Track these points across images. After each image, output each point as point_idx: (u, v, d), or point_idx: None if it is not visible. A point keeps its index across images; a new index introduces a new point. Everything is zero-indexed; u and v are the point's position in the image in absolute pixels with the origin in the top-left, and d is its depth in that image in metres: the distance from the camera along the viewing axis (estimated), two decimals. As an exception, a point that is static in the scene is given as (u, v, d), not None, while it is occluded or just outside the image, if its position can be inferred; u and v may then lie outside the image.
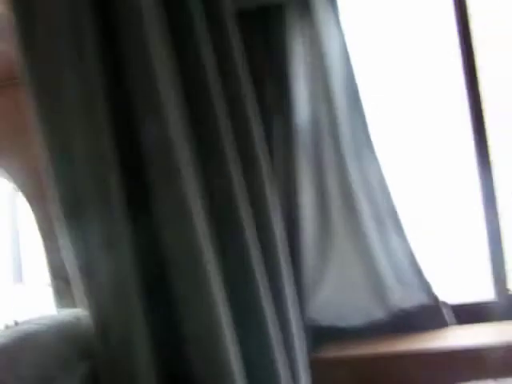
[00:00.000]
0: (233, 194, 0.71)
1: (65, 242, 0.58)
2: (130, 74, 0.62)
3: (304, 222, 1.19)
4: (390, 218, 1.19)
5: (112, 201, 0.57)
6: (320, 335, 1.17)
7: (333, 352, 1.14)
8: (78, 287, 0.58)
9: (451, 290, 1.27)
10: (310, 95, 1.24)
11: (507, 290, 1.24)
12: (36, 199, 1.00)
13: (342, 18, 1.20)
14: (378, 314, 1.21)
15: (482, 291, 1.27)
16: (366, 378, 1.12)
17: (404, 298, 1.21)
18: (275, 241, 0.78)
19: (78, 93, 0.57)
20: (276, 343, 0.72)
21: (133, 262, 0.59)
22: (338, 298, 1.21)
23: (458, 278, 1.36)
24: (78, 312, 0.64)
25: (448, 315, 1.21)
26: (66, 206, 0.59)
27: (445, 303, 1.22)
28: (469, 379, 1.04)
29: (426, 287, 1.21)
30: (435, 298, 1.21)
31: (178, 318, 0.63)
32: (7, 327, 0.57)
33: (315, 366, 1.03)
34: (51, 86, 0.59)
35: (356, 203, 1.19)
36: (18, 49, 0.58)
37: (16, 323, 0.58)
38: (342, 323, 1.20)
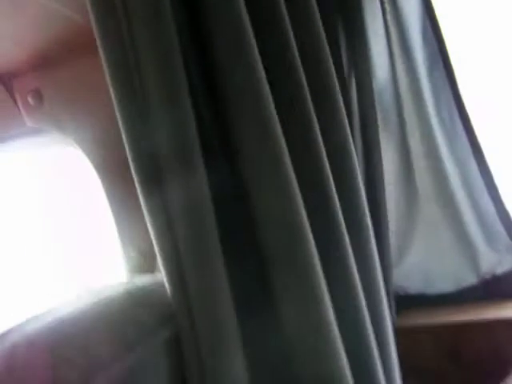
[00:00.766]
0: (318, 155, 0.67)
1: (145, 208, 0.56)
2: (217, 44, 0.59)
3: (387, 186, 1.14)
4: (480, 179, 1.12)
5: (194, 162, 0.55)
6: (407, 302, 1.13)
7: (419, 319, 1.11)
8: (158, 254, 0.56)
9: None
10: (388, 53, 1.18)
11: None
12: (105, 168, 0.99)
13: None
14: (469, 279, 1.15)
15: None
16: (452, 346, 1.07)
17: (496, 263, 1.14)
18: (363, 206, 0.74)
19: (154, 53, 0.54)
20: (367, 315, 0.68)
21: (216, 226, 0.56)
22: (425, 263, 1.15)
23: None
24: (154, 278, 0.63)
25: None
26: (144, 170, 0.56)
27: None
28: None
29: (520, 252, 1.14)
30: (530, 263, 1.14)
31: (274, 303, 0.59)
32: (79, 296, 0.56)
33: (400, 333, 0.99)
34: (124, 48, 0.56)
35: (442, 163, 1.12)
36: (92, 12, 0.56)
37: (89, 291, 0.57)
38: (430, 290, 1.16)
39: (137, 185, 0.55)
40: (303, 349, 0.59)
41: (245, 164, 0.59)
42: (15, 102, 0.97)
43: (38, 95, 0.96)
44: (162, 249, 0.54)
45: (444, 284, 1.16)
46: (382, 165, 1.13)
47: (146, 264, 0.98)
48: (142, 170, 0.55)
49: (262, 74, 0.60)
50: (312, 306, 0.59)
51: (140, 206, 0.98)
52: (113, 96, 0.56)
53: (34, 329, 0.47)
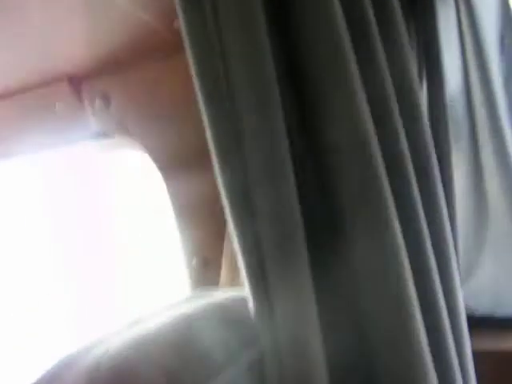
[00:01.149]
0: (407, 173, 0.63)
1: (232, 220, 0.53)
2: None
3: (457, 199, 1.10)
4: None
5: (286, 176, 0.52)
6: (473, 324, 1.08)
7: (484, 342, 1.05)
8: (244, 268, 0.53)
9: None
10: (462, 64, 1.14)
11: None
12: (171, 172, 0.98)
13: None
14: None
15: None
16: None
17: None
18: (446, 222, 0.70)
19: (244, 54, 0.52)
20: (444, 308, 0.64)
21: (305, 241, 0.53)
22: (495, 283, 1.10)
23: None
24: (235, 293, 0.60)
25: None
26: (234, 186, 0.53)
27: None
28: None
29: None
30: None
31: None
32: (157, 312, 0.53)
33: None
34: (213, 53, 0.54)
35: (516, 181, 1.08)
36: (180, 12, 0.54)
37: (169, 306, 0.55)
38: (498, 312, 1.10)
39: (225, 199, 0.53)
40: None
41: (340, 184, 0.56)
42: (83, 104, 0.96)
43: (106, 98, 0.96)
44: (248, 265, 0.52)
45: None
46: (453, 180, 1.09)
47: (209, 274, 0.96)
48: (231, 185, 0.53)
49: (359, 86, 0.57)
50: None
51: (204, 212, 0.97)
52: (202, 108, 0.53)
53: (117, 347, 0.45)
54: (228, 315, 0.55)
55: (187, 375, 0.44)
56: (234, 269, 0.88)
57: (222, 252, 0.94)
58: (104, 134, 0.98)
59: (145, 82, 0.95)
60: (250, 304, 0.52)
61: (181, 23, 0.54)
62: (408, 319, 0.55)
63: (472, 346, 0.95)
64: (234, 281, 0.86)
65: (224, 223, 0.55)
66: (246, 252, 0.52)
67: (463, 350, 0.69)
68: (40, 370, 0.43)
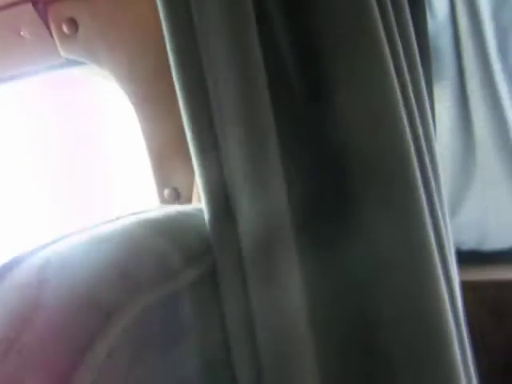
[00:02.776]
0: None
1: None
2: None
3: (441, 135, 1.07)
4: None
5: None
6: (459, 258, 1.06)
7: (467, 275, 1.04)
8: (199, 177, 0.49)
9: None
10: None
11: None
12: (142, 104, 0.94)
13: None
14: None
15: None
16: (495, 304, 1.03)
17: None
18: (434, 153, 0.67)
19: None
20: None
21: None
22: (481, 218, 1.08)
23: None
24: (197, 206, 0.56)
25: None
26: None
27: None
28: None
29: None
30: None
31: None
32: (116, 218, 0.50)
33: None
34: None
35: (503, 112, 1.04)
36: None
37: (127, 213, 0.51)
38: (484, 247, 1.09)
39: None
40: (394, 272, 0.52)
41: None
42: (49, 30, 0.91)
43: (74, 24, 0.90)
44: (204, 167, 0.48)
45: (498, 241, 1.09)
46: (434, 114, 1.05)
47: (180, 204, 0.93)
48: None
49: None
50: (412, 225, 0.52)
51: (177, 144, 0.93)
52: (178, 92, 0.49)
53: (68, 246, 0.41)
54: (188, 222, 0.51)
55: (141, 275, 0.41)
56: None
57: (193, 184, 0.91)
58: (74, 63, 0.94)
59: (113, 6, 0.89)
60: (206, 212, 0.49)
61: None
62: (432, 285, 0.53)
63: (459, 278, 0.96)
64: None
65: None
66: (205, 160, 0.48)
67: (452, 283, 0.66)
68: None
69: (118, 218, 0.49)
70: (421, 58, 1.00)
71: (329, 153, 0.53)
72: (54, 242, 0.43)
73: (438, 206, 0.63)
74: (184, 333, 0.44)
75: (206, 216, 0.48)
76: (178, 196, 0.93)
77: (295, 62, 0.53)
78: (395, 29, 0.61)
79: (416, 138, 0.59)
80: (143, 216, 0.49)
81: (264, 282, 0.45)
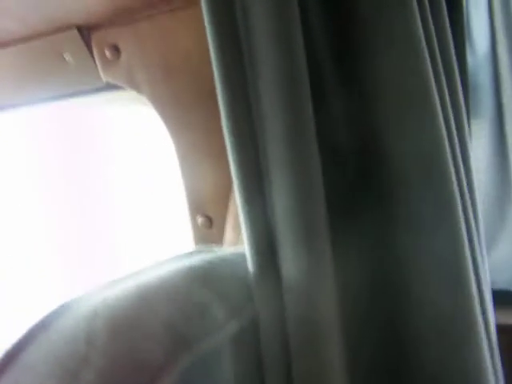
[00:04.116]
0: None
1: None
2: None
3: (478, 174, 1.05)
4: None
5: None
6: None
7: (501, 318, 1.02)
8: (243, 221, 0.49)
9: None
10: (489, 27, 1.08)
11: None
12: (178, 129, 0.94)
13: None
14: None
15: None
16: None
17: None
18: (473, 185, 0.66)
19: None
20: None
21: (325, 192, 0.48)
22: (516, 258, 1.07)
23: None
24: (239, 250, 0.55)
25: None
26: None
27: None
28: None
29: None
30: None
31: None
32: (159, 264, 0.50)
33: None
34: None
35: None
36: None
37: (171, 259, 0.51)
38: (518, 287, 1.07)
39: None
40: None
41: None
42: (92, 55, 0.92)
43: (116, 50, 0.91)
44: (250, 217, 0.47)
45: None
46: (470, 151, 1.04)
47: (213, 235, 0.92)
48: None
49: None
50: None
51: (212, 171, 0.93)
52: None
53: (115, 297, 0.41)
54: (230, 271, 0.51)
55: (187, 329, 0.41)
56: (238, 230, 0.85)
57: (227, 212, 0.91)
58: (112, 87, 0.95)
59: (156, 34, 0.90)
60: (249, 262, 0.48)
61: None
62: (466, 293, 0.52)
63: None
64: (239, 242, 0.83)
65: (230, 183, 0.51)
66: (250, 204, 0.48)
67: (489, 323, 0.65)
68: (34, 318, 0.40)
69: (161, 264, 0.49)
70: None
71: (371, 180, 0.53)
72: (100, 290, 0.43)
73: (477, 247, 0.63)
74: None
75: (250, 267, 0.48)
76: (210, 224, 0.93)
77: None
78: (439, 59, 0.61)
79: (459, 179, 0.58)
80: (187, 264, 0.48)
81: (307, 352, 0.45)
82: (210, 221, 0.94)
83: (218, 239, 0.93)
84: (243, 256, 0.50)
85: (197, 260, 0.50)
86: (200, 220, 0.94)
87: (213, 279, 0.48)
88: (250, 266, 0.48)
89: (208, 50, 0.49)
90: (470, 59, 1.06)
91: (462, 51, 1.02)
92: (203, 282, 0.47)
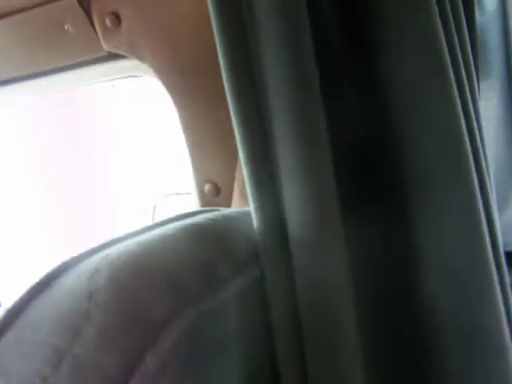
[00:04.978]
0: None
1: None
2: None
3: (487, 134, 1.03)
4: None
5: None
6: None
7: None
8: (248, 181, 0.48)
9: None
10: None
11: None
12: (182, 97, 0.93)
13: None
14: None
15: None
16: None
17: None
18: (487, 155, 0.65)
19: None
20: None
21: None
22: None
23: None
24: (244, 210, 0.55)
25: None
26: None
27: None
28: None
29: None
30: None
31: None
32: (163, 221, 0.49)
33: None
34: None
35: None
36: None
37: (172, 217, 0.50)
38: (529, 249, 1.06)
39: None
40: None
41: None
42: (92, 24, 0.91)
43: (117, 18, 0.90)
44: (256, 174, 0.47)
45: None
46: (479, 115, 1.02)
47: (220, 203, 0.92)
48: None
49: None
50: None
51: (218, 138, 0.92)
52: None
53: (117, 253, 0.41)
54: (235, 228, 0.50)
55: (191, 285, 0.40)
56: (245, 197, 0.84)
57: (233, 179, 0.90)
58: (114, 57, 0.93)
59: (156, 1, 0.89)
60: (255, 220, 0.48)
61: None
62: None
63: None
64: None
65: (237, 150, 0.50)
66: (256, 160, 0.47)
67: (504, 282, 0.64)
68: (36, 275, 0.40)
69: (163, 223, 0.49)
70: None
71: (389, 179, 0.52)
72: (102, 248, 0.43)
73: (493, 209, 0.62)
74: (230, 344, 0.43)
75: (256, 226, 0.47)
76: (218, 192, 0.93)
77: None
78: (452, 24, 0.59)
79: (472, 140, 0.57)
80: (190, 222, 0.48)
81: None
82: (217, 188, 0.93)
83: (226, 207, 0.92)
84: (248, 214, 0.49)
85: (200, 218, 0.50)
86: (207, 187, 0.93)
87: (217, 236, 0.47)
88: (256, 224, 0.47)
89: (208, 13, 0.48)
90: (478, 16, 1.04)
91: (470, 10, 1.00)
92: (207, 239, 0.46)
